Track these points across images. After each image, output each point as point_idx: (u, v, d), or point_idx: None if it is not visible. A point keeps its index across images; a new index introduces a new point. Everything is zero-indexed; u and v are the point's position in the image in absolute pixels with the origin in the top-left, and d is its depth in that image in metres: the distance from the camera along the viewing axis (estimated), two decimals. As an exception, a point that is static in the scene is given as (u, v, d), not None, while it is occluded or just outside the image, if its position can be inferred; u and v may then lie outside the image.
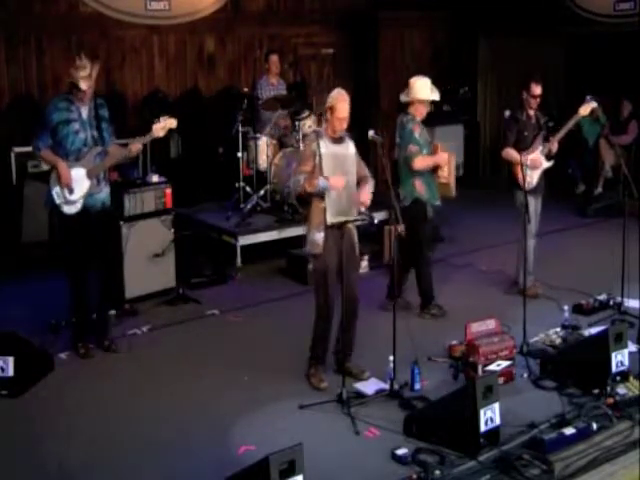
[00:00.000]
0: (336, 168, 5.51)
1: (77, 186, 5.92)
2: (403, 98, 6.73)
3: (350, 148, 5.63)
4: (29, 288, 7.44)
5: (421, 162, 6.62)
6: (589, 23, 11.40)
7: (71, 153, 5.91)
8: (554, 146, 7.14)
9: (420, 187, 6.66)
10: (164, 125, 6.01)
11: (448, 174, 6.83)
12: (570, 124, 7.17)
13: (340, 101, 5.48)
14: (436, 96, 6.72)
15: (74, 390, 5.61)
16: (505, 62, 12.51)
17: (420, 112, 6.71)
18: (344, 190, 5.51)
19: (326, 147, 5.51)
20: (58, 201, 5.93)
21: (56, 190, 5.92)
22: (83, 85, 5.80)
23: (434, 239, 7.66)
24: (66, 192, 5.91)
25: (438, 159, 6.74)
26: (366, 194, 5.62)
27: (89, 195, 5.96)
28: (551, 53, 11.95)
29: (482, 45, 12.67)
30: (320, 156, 5.48)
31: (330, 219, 5.45)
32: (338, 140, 5.57)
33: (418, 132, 6.67)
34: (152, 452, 4.78)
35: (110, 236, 6.47)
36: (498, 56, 12.61)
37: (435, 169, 6.76)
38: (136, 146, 6.04)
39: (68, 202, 5.94)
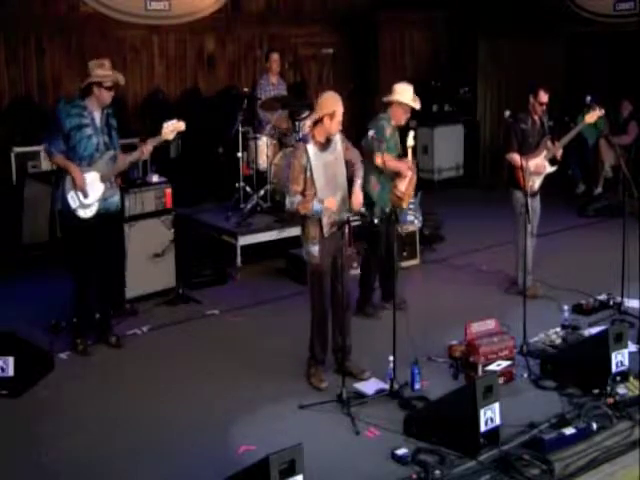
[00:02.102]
0: (328, 177, 5.49)
1: (91, 190, 5.97)
2: (384, 99, 6.66)
3: (337, 147, 5.58)
4: (29, 288, 7.44)
5: (381, 159, 6.36)
6: (589, 23, 11.42)
7: (84, 158, 5.95)
8: (558, 152, 7.15)
9: (374, 185, 6.51)
10: (173, 128, 6.04)
11: (404, 191, 6.50)
12: (575, 131, 7.20)
13: (340, 106, 5.45)
14: (417, 105, 6.58)
15: (74, 390, 5.61)
16: (505, 62, 12.51)
17: (397, 116, 6.58)
18: (337, 192, 5.51)
19: (315, 157, 5.44)
20: (74, 205, 5.96)
21: (71, 194, 5.95)
22: (122, 80, 5.95)
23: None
24: (80, 196, 5.95)
25: (401, 166, 6.49)
26: (357, 198, 5.58)
27: (104, 199, 6.03)
28: (551, 53, 11.94)
29: (482, 45, 12.65)
30: (311, 170, 5.43)
31: (327, 233, 5.47)
32: (325, 145, 5.51)
33: (389, 132, 6.55)
34: (152, 452, 4.78)
35: (119, 236, 6.60)
36: (498, 56, 12.60)
37: (394, 179, 6.52)
38: (147, 148, 6.10)
39: (83, 206, 5.98)
